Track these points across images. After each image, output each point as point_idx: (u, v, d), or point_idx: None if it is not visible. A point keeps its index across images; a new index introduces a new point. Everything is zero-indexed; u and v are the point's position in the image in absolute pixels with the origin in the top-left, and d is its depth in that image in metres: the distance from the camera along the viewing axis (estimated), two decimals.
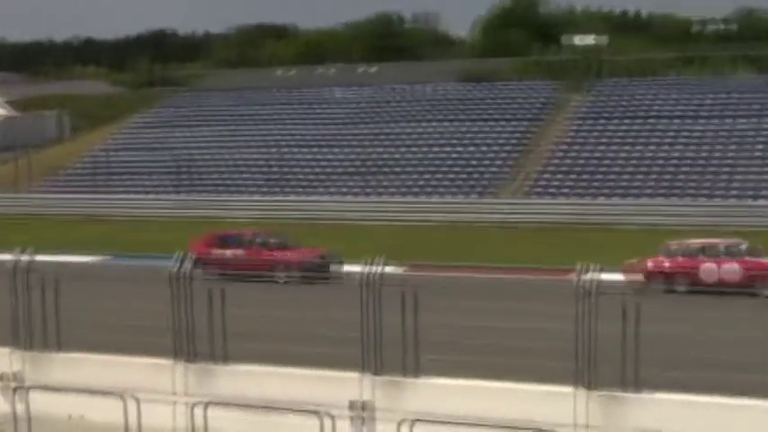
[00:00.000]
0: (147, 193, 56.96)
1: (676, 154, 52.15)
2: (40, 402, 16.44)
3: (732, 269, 29.71)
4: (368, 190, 53.92)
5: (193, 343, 16.33)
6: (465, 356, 16.41)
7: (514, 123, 58.26)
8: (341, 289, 15.87)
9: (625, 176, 51.08)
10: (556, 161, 53.82)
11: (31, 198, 57.56)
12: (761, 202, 47.04)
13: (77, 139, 67.33)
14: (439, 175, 54.08)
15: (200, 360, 16.36)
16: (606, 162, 52.65)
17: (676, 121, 55.28)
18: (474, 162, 54.70)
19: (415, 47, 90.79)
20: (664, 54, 69.49)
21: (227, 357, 16.35)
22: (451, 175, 53.88)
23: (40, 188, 59.34)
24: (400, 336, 14.91)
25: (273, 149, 58.95)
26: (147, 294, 16.85)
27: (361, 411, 14.85)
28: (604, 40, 69.72)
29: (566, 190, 50.97)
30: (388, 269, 15.38)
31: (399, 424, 14.04)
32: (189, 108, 68.32)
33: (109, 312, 21.30)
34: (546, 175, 52.66)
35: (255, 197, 54.61)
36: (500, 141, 56.56)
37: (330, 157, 57.83)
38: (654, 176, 50.62)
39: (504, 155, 55.17)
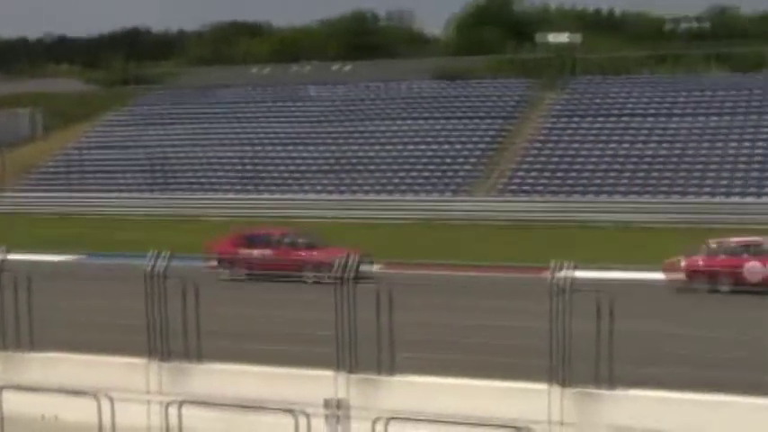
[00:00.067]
0: (121, 191, 56.80)
1: (650, 152, 52.39)
2: (13, 402, 16.33)
3: None
4: (342, 188, 53.92)
5: (167, 341, 16.27)
6: (440, 354, 16.42)
7: (488, 121, 58.37)
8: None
9: (599, 174, 51.28)
10: (530, 159, 53.97)
11: (3, 197, 57.30)
12: (733, 199, 47.33)
13: (51, 138, 67.00)
14: (414, 173, 54.14)
15: (174, 359, 16.29)
16: (580, 160, 52.83)
17: (650, 118, 55.53)
18: (448, 160, 54.78)
19: (389, 45, 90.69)
20: (637, 52, 69.80)
21: (201, 356, 16.30)
22: (426, 173, 53.94)
23: (12, 187, 59.04)
24: (375, 334, 14.92)
25: (248, 148, 58.88)
26: (121, 293, 16.79)
27: (336, 410, 14.83)
28: (578, 38, 69.87)
29: (540, 188, 51.13)
30: (363, 267, 15.36)
31: (374, 422, 14.04)
32: (163, 106, 68.08)
33: (82, 311, 21.17)
34: (520, 173, 52.80)
35: (230, 195, 54.56)
36: (474, 139, 56.66)
37: (305, 155, 57.77)
38: (627, 174, 50.83)
39: (478, 152, 55.27)
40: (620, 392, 14.09)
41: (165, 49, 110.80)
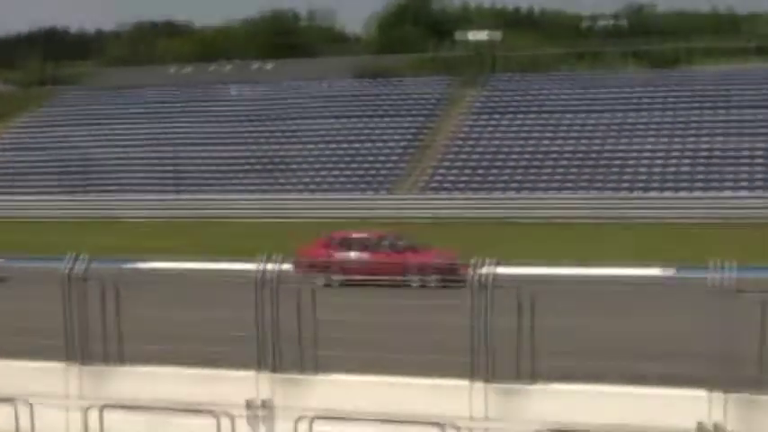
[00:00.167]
0: (38, 194, 55.91)
1: (569, 148, 53.00)
2: None
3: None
4: (265, 187, 53.74)
5: (87, 345, 16.04)
6: (363, 352, 16.39)
7: (410, 119, 58.60)
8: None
9: (519, 171, 51.75)
10: (451, 156, 54.28)
11: None
12: (651, 194, 48.05)
13: None
14: (336, 172, 54.15)
15: (95, 362, 16.07)
16: (501, 157, 53.27)
17: (569, 115, 56.19)
18: (370, 158, 54.89)
19: (310, 44, 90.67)
20: (556, 50, 70.59)
21: (123, 359, 16.10)
22: (348, 172, 53.99)
23: None
24: (296, 333, 14.85)
25: (168, 148, 58.35)
26: (40, 296, 16.50)
27: (258, 410, 14.75)
28: (498, 35, 70.51)
29: (461, 185, 51.46)
30: (285, 266, 15.27)
31: (297, 422, 14.00)
32: (80, 107, 67.22)
33: None
34: (441, 171, 53.08)
35: (150, 196, 54.02)
36: (396, 137, 56.84)
37: (226, 154, 57.46)
38: (548, 170, 51.37)
39: (399, 151, 55.46)
40: (543, 386, 14.20)
41: (84, 49, 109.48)
